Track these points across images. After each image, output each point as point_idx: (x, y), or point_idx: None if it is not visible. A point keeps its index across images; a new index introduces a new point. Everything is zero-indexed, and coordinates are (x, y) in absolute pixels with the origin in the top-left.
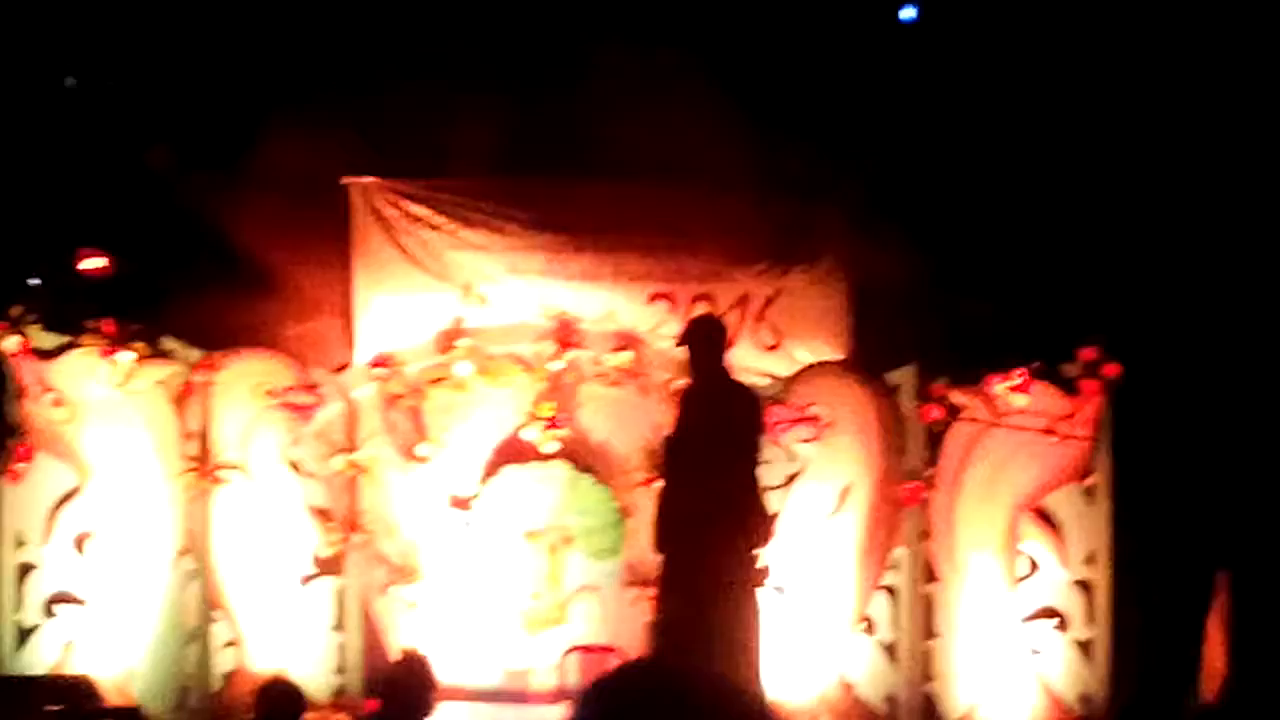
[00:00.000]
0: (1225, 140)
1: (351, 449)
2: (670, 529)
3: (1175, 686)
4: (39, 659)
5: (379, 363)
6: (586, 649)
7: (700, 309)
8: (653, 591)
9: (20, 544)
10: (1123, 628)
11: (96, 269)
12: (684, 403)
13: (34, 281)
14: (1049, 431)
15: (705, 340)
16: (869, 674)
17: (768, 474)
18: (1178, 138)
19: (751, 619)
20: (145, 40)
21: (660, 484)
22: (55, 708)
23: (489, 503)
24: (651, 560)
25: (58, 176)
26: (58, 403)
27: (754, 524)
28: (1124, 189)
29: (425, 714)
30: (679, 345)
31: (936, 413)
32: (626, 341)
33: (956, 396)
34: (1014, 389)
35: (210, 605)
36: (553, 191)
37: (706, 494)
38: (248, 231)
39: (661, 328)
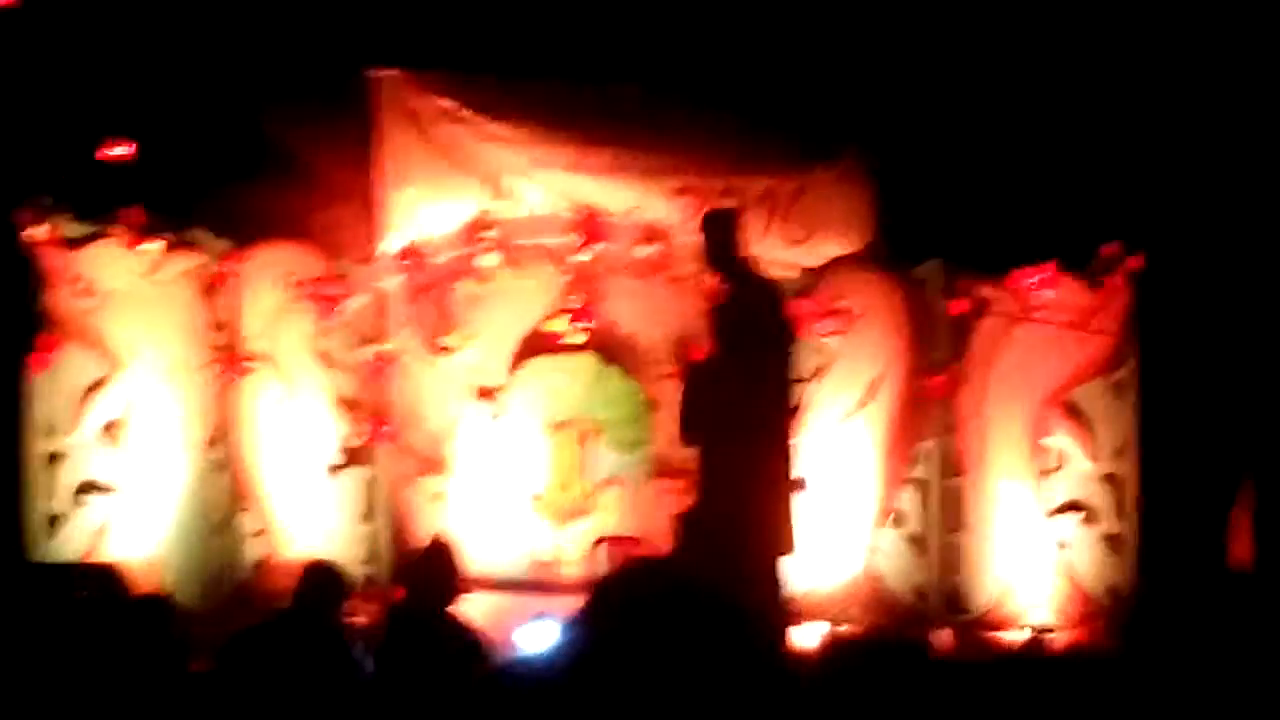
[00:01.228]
0: (1248, 40)
1: (379, 340)
2: (701, 422)
3: (1199, 576)
4: (68, 547)
5: (406, 254)
6: (614, 539)
7: (725, 203)
8: (680, 484)
9: (49, 432)
10: (1150, 521)
11: (124, 156)
12: (717, 304)
13: (61, 169)
14: (1075, 325)
15: (723, 231)
16: (896, 566)
17: (795, 367)
18: (1200, 36)
19: (781, 515)
20: None
21: (689, 376)
22: (83, 594)
23: (516, 394)
24: (679, 452)
25: (87, 64)
26: (85, 292)
27: (784, 417)
28: (1148, 82)
29: (450, 600)
30: (699, 231)
31: (963, 306)
32: (652, 234)
33: (983, 290)
34: (1040, 282)
35: (239, 495)
36: (578, 92)
37: (738, 390)
38: (275, 121)
39: (687, 221)
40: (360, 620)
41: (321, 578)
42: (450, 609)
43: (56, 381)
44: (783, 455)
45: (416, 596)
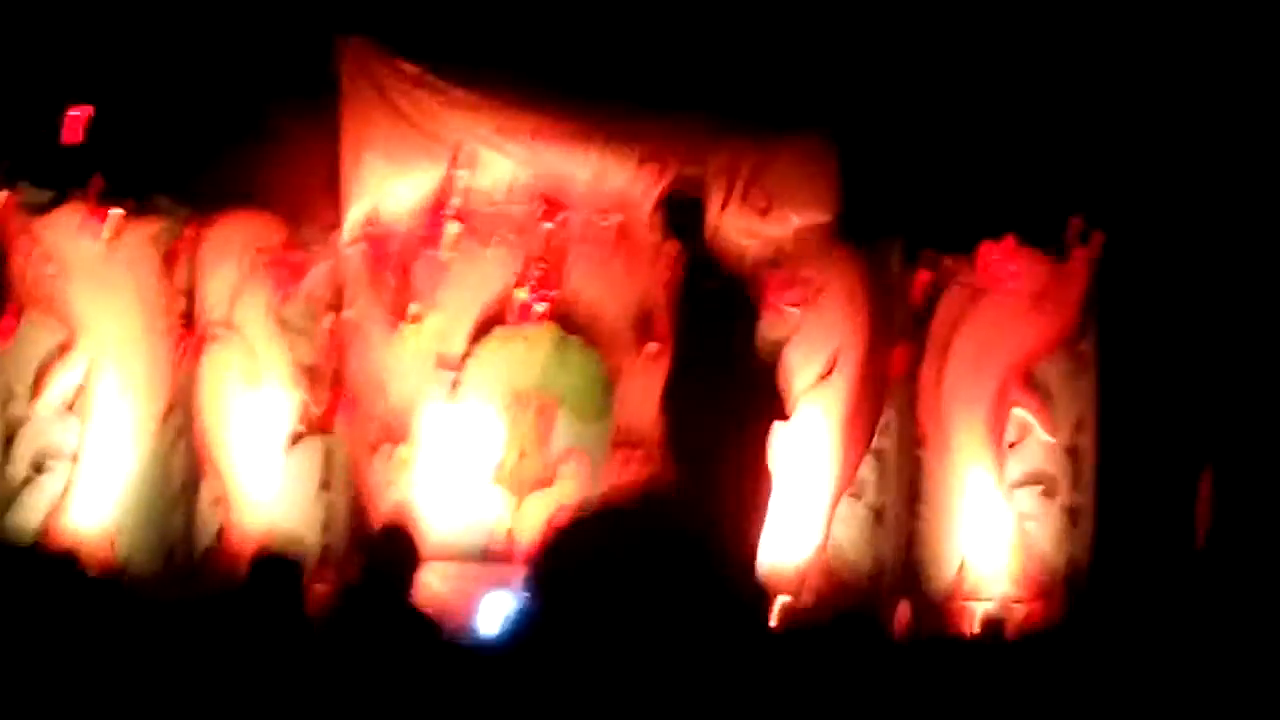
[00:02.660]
0: (1213, 14)
1: (340, 308)
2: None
3: (1153, 554)
4: (27, 517)
5: (369, 222)
6: (573, 510)
7: (687, 175)
8: (639, 454)
9: (9, 401)
10: (1108, 495)
11: (85, 123)
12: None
13: (22, 137)
14: (1036, 298)
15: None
16: (855, 540)
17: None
18: (1167, 8)
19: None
20: None
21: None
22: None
23: (477, 365)
24: (639, 423)
25: (50, 30)
26: (46, 260)
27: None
28: (1112, 56)
29: (407, 579)
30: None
31: (925, 279)
32: (616, 205)
33: (945, 264)
34: (1002, 257)
35: (198, 464)
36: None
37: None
38: (240, 88)
39: (651, 191)
40: (318, 589)
41: (276, 569)
42: (406, 588)
43: (17, 351)
44: (752, 428)
45: (372, 576)
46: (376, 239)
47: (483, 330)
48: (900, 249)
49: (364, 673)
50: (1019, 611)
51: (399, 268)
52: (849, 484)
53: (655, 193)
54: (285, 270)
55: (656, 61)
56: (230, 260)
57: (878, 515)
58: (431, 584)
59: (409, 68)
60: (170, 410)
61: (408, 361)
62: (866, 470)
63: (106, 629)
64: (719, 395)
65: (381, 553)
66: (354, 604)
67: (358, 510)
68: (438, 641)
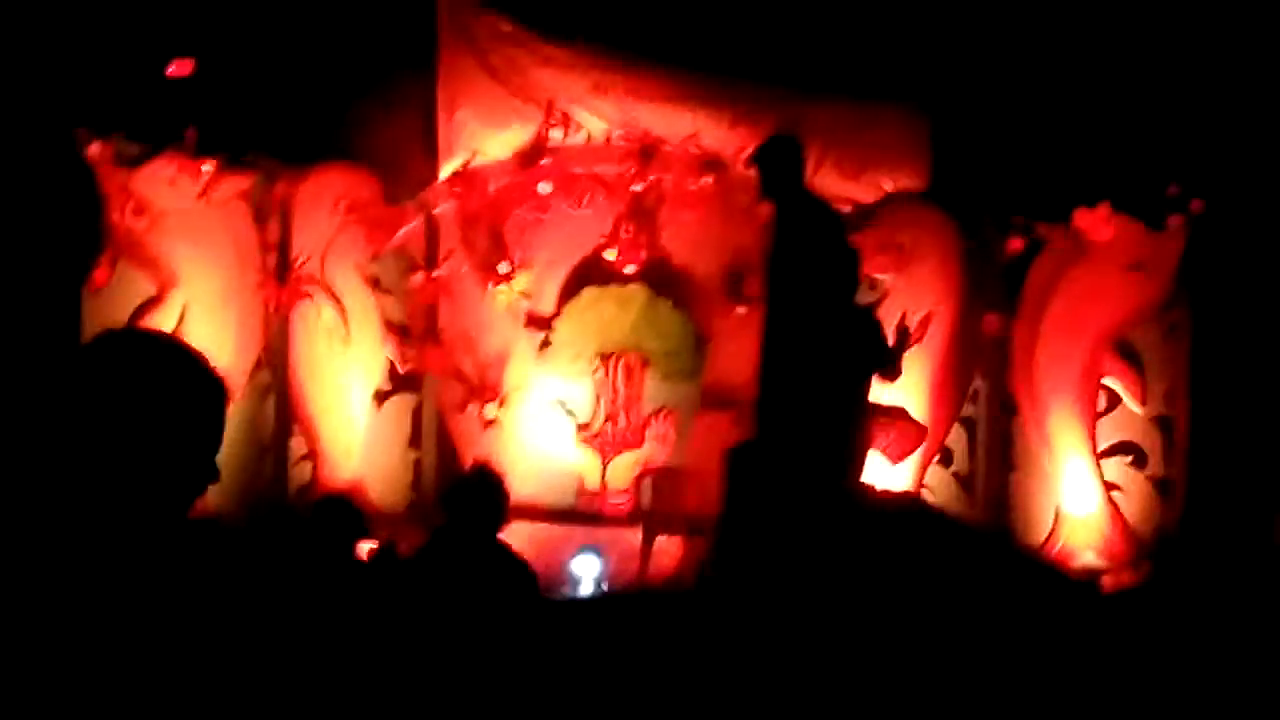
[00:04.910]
0: None
1: (431, 266)
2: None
3: (1244, 525)
4: None
5: (460, 179)
6: (660, 472)
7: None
8: (729, 416)
9: None
10: (1198, 466)
11: (181, 76)
12: (777, 227)
13: (119, 89)
14: (1130, 266)
15: (784, 159)
16: (944, 505)
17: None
18: None
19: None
20: None
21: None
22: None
23: (566, 323)
24: (728, 384)
25: None
26: (139, 211)
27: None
28: (1208, 22)
29: (495, 527)
30: (750, 163)
31: (1018, 246)
32: (709, 164)
33: (1038, 230)
34: (1097, 222)
35: (287, 418)
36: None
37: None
38: (333, 41)
39: (744, 152)
40: (403, 548)
41: (336, 512)
42: (497, 536)
43: (109, 300)
44: (853, 387)
45: (460, 522)
46: (468, 196)
47: (573, 289)
48: (992, 215)
49: (450, 617)
50: (1105, 581)
51: (490, 225)
52: (937, 449)
53: (747, 154)
54: (377, 226)
55: (750, 31)
56: (322, 215)
57: (965, 482)
58: (516, 541)
59: (505, 24)
60: (260, 364)
61: (497, 320)
62: (955, 437)
63: (203, 567)
64: (810, 358)
65: (466, 506)
66: (441, 548)
67: (446, 467)
68: (529, 588)
